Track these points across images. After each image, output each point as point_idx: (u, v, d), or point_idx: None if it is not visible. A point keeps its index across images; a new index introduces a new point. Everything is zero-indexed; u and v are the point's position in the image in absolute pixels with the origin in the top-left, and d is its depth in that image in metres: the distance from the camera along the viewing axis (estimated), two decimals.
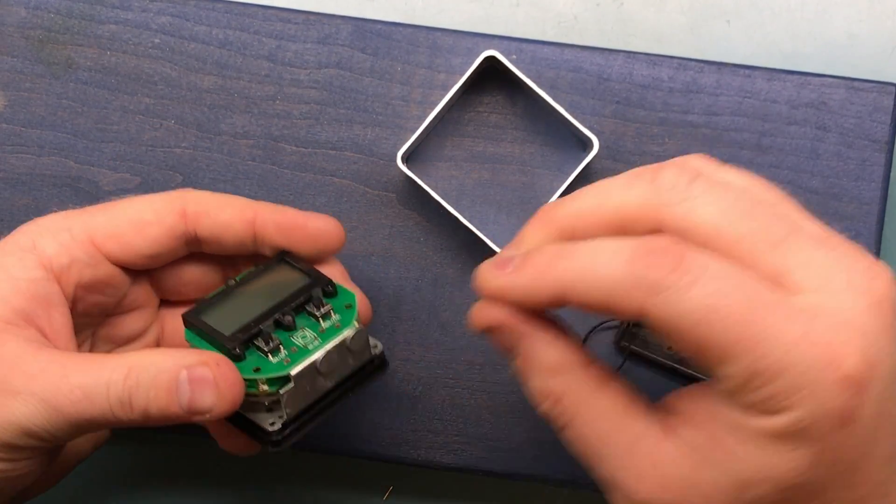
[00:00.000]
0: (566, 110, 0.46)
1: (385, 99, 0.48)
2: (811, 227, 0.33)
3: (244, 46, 0.48)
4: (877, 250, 0.47)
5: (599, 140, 0.46)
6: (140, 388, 0.36)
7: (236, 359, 0.39)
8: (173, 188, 0.47)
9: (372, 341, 0.41)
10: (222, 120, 0.48)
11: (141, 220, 0.40)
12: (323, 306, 0.40)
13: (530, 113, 0.48)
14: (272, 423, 0.39)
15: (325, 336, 0.39)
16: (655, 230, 0.32)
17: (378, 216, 0.48)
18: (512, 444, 0.47)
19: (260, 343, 0.39)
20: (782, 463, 0.31)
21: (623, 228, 0.33)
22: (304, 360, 0.39)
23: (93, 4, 0.48)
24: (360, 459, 0.47)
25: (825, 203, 0.47)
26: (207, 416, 0.37)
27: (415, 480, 0.51)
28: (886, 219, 0.48)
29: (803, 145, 0.47)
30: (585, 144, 0.46)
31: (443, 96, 0.47)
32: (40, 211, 0.47)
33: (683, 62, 0.48)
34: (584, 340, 0.47)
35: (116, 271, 0.41)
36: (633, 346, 0.47)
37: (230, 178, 0.47)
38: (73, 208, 0.41)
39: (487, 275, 0.35)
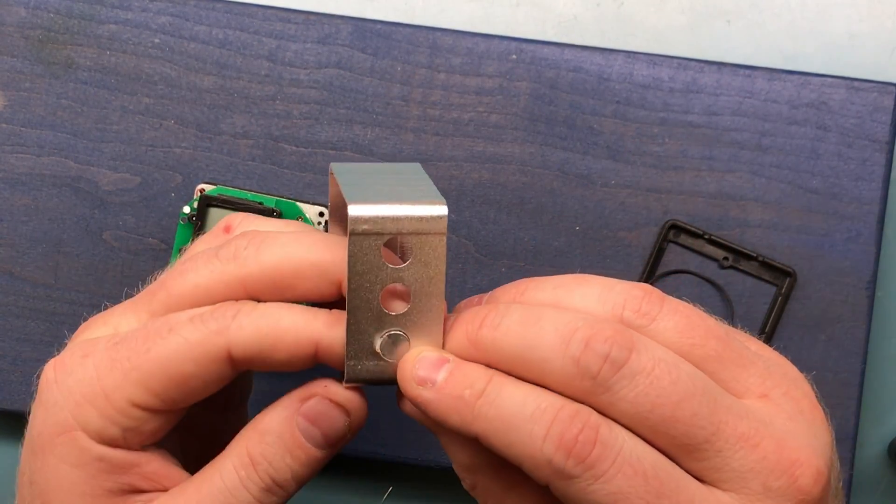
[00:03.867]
0: (569, 109, 0.46)
1: (385, 99, 0.48)
2: (737, 413, 0.32)
3: (244, 46, 0.48)
4: (877, 250, 0.47)
5: (600, 140, 0.46)
6: (275, 463, 0.34)
7: None
8: (173, 188, 0.47)
9: (318, 212, 0.44)
10: (222, 120, 0.48)
11: (181, 375, 0.33)
12: None
13: (529, 112, 0.48)
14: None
15: None
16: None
17: None
18: None
19: None
20: None
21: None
22: None
23: (93, 4, 0.48)
24: (360, 459, 0.47)
25: (825, 203, 0.47)
26: (350, 435, 0.35)
27: (415, 480, 0.51)
28: (886, 219, 0.48)
29: (803, 145, 0.47)
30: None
31: (444, 97, 0.47)
32: (40, 211, 0.48)
33: (683, 62, 0.48)
34: None
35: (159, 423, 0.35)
36: None
37: (230, 178, 0.47)
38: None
39: (410, 379, 0.33)
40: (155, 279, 0.36)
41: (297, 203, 0.45)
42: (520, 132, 0.48)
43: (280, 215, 0.44)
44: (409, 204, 0.32)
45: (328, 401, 0.35)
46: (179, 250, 0.44)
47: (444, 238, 0.33)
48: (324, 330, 0.33)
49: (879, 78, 0.48)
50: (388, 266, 0.32)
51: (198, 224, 0.44)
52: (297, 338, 0.33)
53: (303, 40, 0.48)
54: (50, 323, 0.47)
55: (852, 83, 0.47)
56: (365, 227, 0.31)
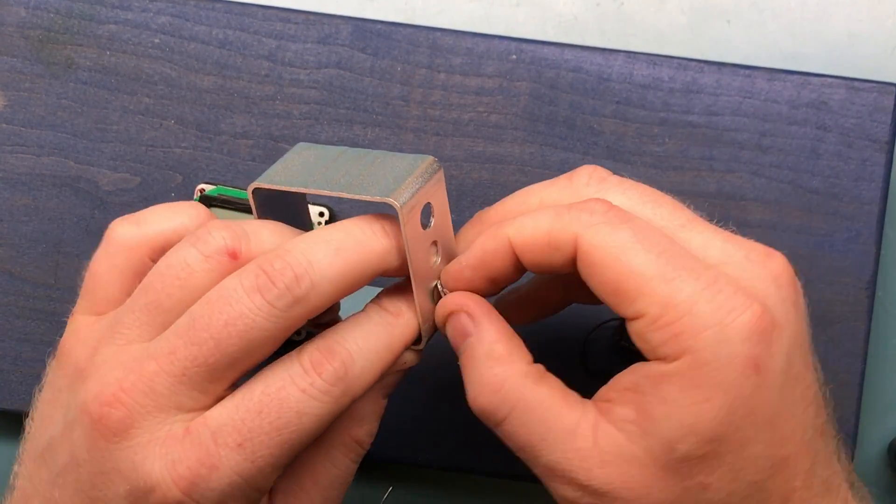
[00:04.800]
0: (569, 109, 0.46)
1: (385, 99, 0.48)
2: (706, 222, 0.36)
3: (244, 46, 0.48)
4: (877, 250, 0.47)
5: (600, 140, 0.46)
6: (373, 436, 0.39)
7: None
8: (173, 188, 0.47)
9: (319, 212, 0.46)
10: (222, 120, 0.48)
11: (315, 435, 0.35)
12: None
13: (529, 112, 0.48)
14: (298, 333, 0.40)
15: None
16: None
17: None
18: None
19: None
20: (698, 412, 0.32)
21: (555, 247, 0.35)
22: None
23: (93, 4, 0.48)
24: None
25: (825, 203, 0.47)
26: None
27: (415, 480, 0.51)
28: (886, 219, 0.48)
29: (803, 145, 0.47)
30: None
31: (444, 97, 0.47)
32: (40, 211, 0.48)
33: (683, 62, 0.48)
34: (584, 341, 0.47)
35: None
36: (632, 346, 0.47)
37: (230, 178, 0.47)
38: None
39: (447, 276, 0.37)
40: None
41: None
42: (520, 132, 0.48)
43: None
44: (413, 176, 0.36)
45: (402, 372, 0.38)
46: None
47: (444, 181, 0.37)
48: (406, 337, 0.37)
49: (879, 78, 0.48)
50: (424, 231, 0.36)
51: None
52: (393, 355, 0.36)
53: (303, 40, 0.48)
54: (50, 323, 0.47)
55: (852, 83, 0.47)
56: (407, 210, 0.35)
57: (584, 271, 0.34)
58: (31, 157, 0.48)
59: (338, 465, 0.37)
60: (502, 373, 0.35)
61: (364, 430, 0.38)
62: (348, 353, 0.34)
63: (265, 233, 0.36)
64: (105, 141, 0.48)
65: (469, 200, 0.48)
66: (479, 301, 0.37)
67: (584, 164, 0.47)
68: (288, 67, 0.48)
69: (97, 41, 0.48)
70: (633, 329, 0.33)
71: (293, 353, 0.34)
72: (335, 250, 0.34)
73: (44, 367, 0.38)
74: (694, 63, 0.48)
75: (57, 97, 0.48)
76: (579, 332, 0.47)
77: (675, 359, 0.32)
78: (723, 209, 0.47)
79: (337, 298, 0.35)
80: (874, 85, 0.47)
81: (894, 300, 0.51)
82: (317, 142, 0.48)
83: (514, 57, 0.48)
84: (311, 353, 0.34)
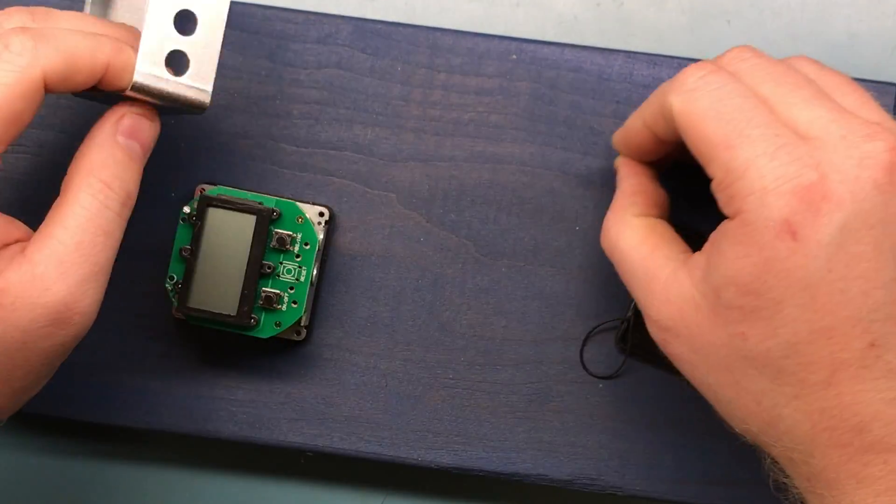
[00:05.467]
0: (569, 109, 0.46)
1: (385, 99, 0.48)
2: (840, 100, 0.37)
3: (244, 46, 0.48)
4: None
5: (600, 140, 0.46)
6: (124, 179, 0.40)
7: (254, 328, 0.44)
8: (173, 188, 0.47)
9: (318, 212, 0.46)
10: (222, 120, 0.48)
11: (14, 113, 0.38)
12: (286, 241, 0.44)
13: (529, 112, 0.48)
14: (298, 333, 0.45)
15: (304, 261, 0.44)
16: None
17: (378, 216, 0.48)
18: (512, 444, 0.47)
19: (264, 303, 0.44)
20: (740, 266, 0.35)
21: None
22: (305, 292, 0.44)
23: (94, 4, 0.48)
24: (360, 459, 0.47)
25: None
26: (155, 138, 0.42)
27: (415, 480, 0.51)
28: None
29: None
30: None
31: (444, 97, 0.47)
32: (40, 211, 0.47)
33: (683, 62, 0.48)
34: (584, 341, 0.47)
35: None
36: (632, 346, 0.47)
37: (230, 178, 0.47)
38: None
39: (615, 137, 0.44)
40: None
41: (297, 203, 0.45)
42: (520, 132, 0.48)
43: (280, 216, 0.44)
44: None
45: (136, 115, 0.40)
46: (179, 250, 0.45)
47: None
48: (112, 54, 0.39)
49: (879, 78, 0.48)
50: None
51: (198, 224, 0.44)
52: (93, 62, 0.38)
53: (303, 40, 0.48)
54: None
55: None
56: None
57: (681, 135, 0.38)
58: (31, 157, 0.48)
59: (87, 207, 0.38)
60: (611, 219, 0.42)
61: (108, 171, 0.39)
62: (41, 32, 0.37)
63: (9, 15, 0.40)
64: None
65: (469, 200, 0.48)
66: (628, 162, 0.44)
67: (584, 163, 0.47)
68: (288, 67, 0.48)
69: None
70: (712, 188, 0.37)
71: None
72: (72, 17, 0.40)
73: None
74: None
75: (57, 97, 0.48)
76: (579, 331, 0.47)
77: (733, 217, 0.36)
78: None
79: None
80: (874, 85, 0.47)
81: None
82: (317, 141, 0.48)
83: (514, 57, 0.48)
84: (5, 32, 0.37)
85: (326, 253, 0.47)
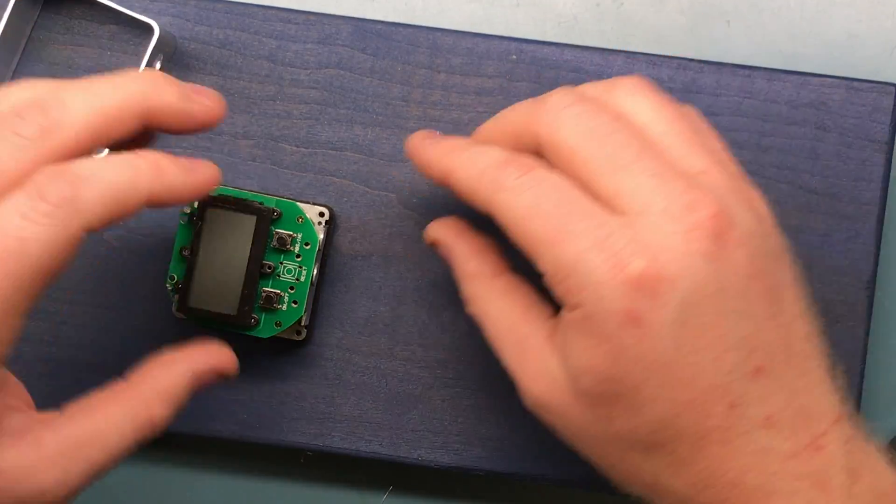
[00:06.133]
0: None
1: (385, 99, 0.48)
2: (670, 158, 0.37)
3: (244, 46, 0.48)
4: (876, 250, 0.47)
5: None
6: (166, 421, 0.38)
7: (254, 328, 0.44)
8: None
9: (319, 212, 0.45)
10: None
11: (52, 272, 0.34)
12: (286, 241, 0.44)
13: None
14: (298, 333, 0.46)
15: (305, 261, 0.44)
16: (536, 144, 0.38)
17: (378, 216, 0.48)
18: (512, 444, 0.47)
19: (265, 303, 0.44)
20: (591, 356, 0.36)
21: (515, 141, 0.39)
22: (305, 292, 0.44)
23: (93, 4, 0.48)
24: (360, 459, 0.47)
25: (825, 203, 0.47)
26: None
27: (415, 480, 0.51)
28: (886, 219, 0.48)
29: (803, 145, 0.47)
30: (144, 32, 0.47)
31: (444, 97, 0.47)
32: None
33: (683, 62, 0.48)
34: None
35: None
36: None
37: (230, 178, 0.47)
38: None
39: (414, 137, 0.42)
40: None
41: (298, 203, 0.45)
42: None
43: (280, 216, 0.44)
44: None
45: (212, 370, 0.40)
46: (180, 250, 0.45)
47: None
48: (153, 180, 0.36)
49: (879, 78, 0.48)
50: None
51: (198, 224, 0.44)
52: (137, 198, 0.35)
53: (303, 40, 0.48)
54: (50, 323, 0.47)
55: (852, 83, 0.47)
56: None
57: (500, 226, 0.38)
58: None
59: (121, 437, 0.37)
60: (472, 290, 0.41)
61: (165, 411, 0.38)
62: (78, 175, 0.33)
63: (14, 88, 0.36)
64: None
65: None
66: (450, 227, 0.43)
67: None
68: (288, 67, 0.48)
69: (97, 41, 0.48)
70: (545, 283, 0.37)
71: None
72: (86, 86, 0.35)
73: (45, 367, 0.38)
74: (693, 63, 0.48)
75: None
76: None
77: (572, 310, 0.36)
78: None
79: (96, 133, 0.35)
80: (873, 85, 0.47)
81: (894, 300, 0.51)
82: (317, 141, 0.48)
83: (514, 57, 0.48)
84: (37, 177, 0.33)
85: (327, 253, 0.47)
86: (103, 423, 0.37)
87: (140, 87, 0.36)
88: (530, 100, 0.39)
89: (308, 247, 0.44)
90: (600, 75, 0.47)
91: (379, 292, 0.47)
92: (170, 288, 0.45)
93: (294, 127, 0.48)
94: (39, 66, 0.48)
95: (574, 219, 0.35)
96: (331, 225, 0.46)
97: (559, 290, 0.36)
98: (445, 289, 0.47)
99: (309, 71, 0.48)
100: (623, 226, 0.35)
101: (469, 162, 0.39)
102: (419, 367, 0.47)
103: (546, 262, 0.36)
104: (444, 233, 0.43)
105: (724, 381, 0.35)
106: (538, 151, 0.38)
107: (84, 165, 0.34)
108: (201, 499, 0.51)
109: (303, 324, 0.45)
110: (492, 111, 0.47)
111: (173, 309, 0.45)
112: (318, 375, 0.47)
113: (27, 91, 0.36)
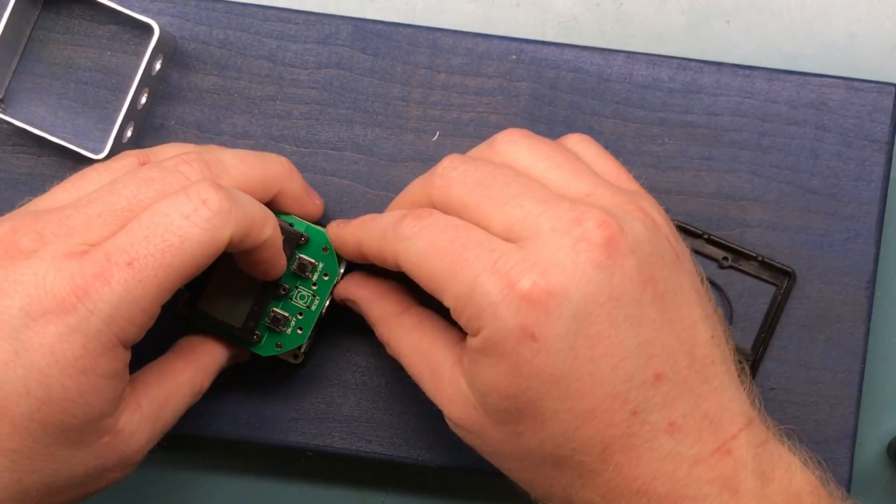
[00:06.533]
0: (569, 109, 0.46)
1: (385, 99, 0.48)
2: (555, 188, 0.39)
3: (244, 46, 0.48)
4: (876, 250, 0.47)
5: (599, 140, 0.46)
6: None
7: (256, 344, 0.44)
8: None
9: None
10: (222, 120, 0.48)
11: (197, 267, 0.38)
12: (307, 268, 0.44)
13: (529, 112, 0.48)
14: (296, 357, 0.46)
15: (320, 290, 0.44)
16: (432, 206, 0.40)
17: None
18: None
19: (271, 324, 0.44)
20: (493, 375, 0.37)
21: (428, 202, 0.40)
22: (313, 322, 0.44)
23: (93, 4, 0.48)
24: (360, 459, 0.47)
25: (825, 203, 0.47)
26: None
27: (415, 480, 0.51)
28: (886, 219, 0.48)
29: (803, 145, 0.47)
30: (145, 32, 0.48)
31: (444, 97, 0.47)
32: None
33: (683, 62, 0.48)
34: None
35: None
36: None
37: None
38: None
39: (332, 225, 0.44)
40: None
41: (326, 232, 0.44)
42: None
43: (307, 241, 0.44)
44: None
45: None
46: None
47: None
48: (274, 230, 0.41)
49: (879, 78, 0.48)
50: None
51: None
52: (260, 234, 0.39)
53: (303, 40, 0.48)
54: None
55: (852, 83, 0.47)
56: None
57: (407, 273, 0.39)
58: (31, 157, 0.48)
59: (185, 402, 0.42)
60: (385, 333, 0.43)
61: (209, 382, 0.43)
62: (231, 191, 0.38)
63: (168, 148, 0.42)
64: (105, 142, 0.48)
65: None
66: (353, 281, 0.44)
67: None
68: (288, 68, 0.48)
69: (97, 41, 0.48)
70: (453, 317, 0.38)
71: (181, 188, 0.38)
72: (240, 155, 0.42)
73: None
74: (693, 63, 0.48)
75: (57, 97, 0.48)
76: None
77: (475, 335, 0.37)
78: (722, 209, 0.47)
79: (245, 188, 0.40)
80: (873, 85, 0.47)
81: (894, 300, 0.51)
82: (317, 141, 0.48)
83: (514, 57, 0.48)
84: (200, 185, 0.37)
85: None
86: (176, 388, 0.41)
87: (280, 171, 0.43)
88: (425, 173, 0.41)
89: (326, 278, 0.44)
90: (600, 75, 0.48)
91: None
92: (183, 288, 0.44)
93: (294, 127, 0.48)
94: (39, 66, 0.48)
95: (468, 248, 0.37)
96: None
97: (463, 320, 0.37)
98: None
99: (309, 71, 0.48)
100: (515, 249, 0.36)
101: (372, 227, 0.41)
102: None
103: (448, 296, 0.37)
104: (347, 288, 0.44)
105: (623, 388, 0.36)
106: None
107: (234, 175, 0.41)
108: (202, 499, 0.51)
109: (303, 350, 0.45)
110: (492, 111, 0.48)
111: (180, 305, 0.45)
112: (318, 375, 0.47)
113: (185, 148, 0.42)
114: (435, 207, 0.39)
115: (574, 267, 0.36)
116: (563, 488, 0.38)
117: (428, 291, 0.38)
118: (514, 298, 0.35)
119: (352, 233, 0.43)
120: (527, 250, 0.36)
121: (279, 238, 0.41)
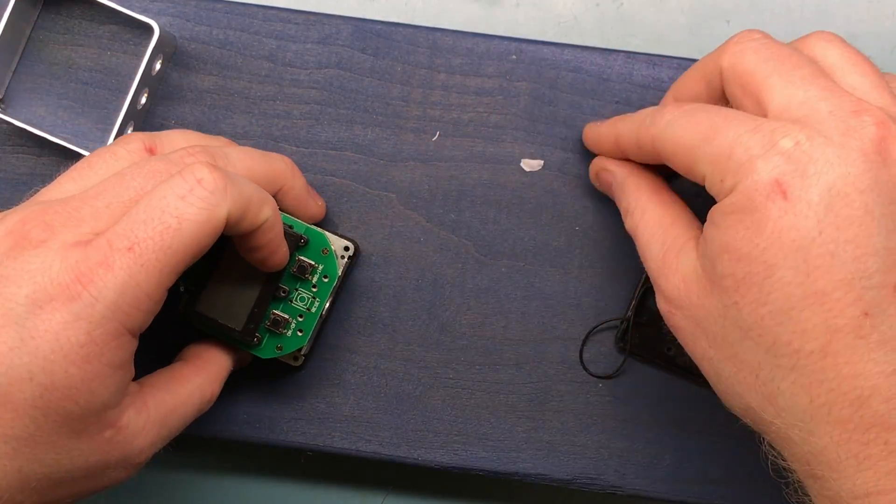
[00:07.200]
0: (569, 109, 0.46)
1: (385, 99, 0.48)
2: (848, 87, 0.37)
3: (244, 46, 0.48)
4: None
5: None
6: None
7: (256, 346, 0.44)
8: None
9: (344, 246, 0.45)
10: (222, 120, 0.48)
11: (200, 249, 0.38)
12: (307, 269, 0.44)
13: (529, 112, 0.48)
14: (296, 359, 0.45)
15: (320, 292, 0.44)
16: (720, 79, 0.40)
17: (378, 216, 0.48)
18: (512, 444, 0.47)
19: (271, 326, 0.44)
20: (733, 234, 0.36)
21: (702, 79, 0.41)
22: (313, 324, 0.44)
23: (93, 4, 0.48)
24: (360, 459, 0.47)
25: None
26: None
27: (415, 480, 0.51)
28: None
29: None
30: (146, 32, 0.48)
31: (444, 97, 0.47)
32: None
33: (683, 62, 0.48)
34: (584, 341, 0.47)
35: None
36: (632, 346, 0.47)
37: None
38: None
39: (588, 126, 0.46)
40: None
41: (326, 234, 0.44)
42: (520, 132, 0.48)
43: (306, 244, 0.44)
44: None
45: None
46: None
47: None
48: (274, 213, 0.40)
49: None
50: None
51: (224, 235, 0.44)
52: (257, 215, 0.39)
53: (303, 41, 0.48)
54: None
55: None
56: None
57: (663, 155, 0.40)
58: (31, 158, 0.48)
59: (193, 409, 0.42)
60: (631, 199, 0.43)
61: (218, 389, 0.44)
62: (226, 171, 0.38)
63: (176, 135, 0.42)
64: (105, 142, 0.48)
65: (469, 200, 0.48)
66: (612, 160, 0.45)
67: (584, 163, 0.48)
68: (288, 68, 0.48)
69: (97, 41, 0.48)
70: (708, 190, 0.38)
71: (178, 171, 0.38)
72: (244, 150, 0.42)
73: None
74: (693, 63, 0.48)
75: (57, 97, 0.48)
76: (579, 331, 0.47)
77: (727, 195, 0.36)
78: None
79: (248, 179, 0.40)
80: None
81: None
82: (317, 141, 0.48)
83: (514, 57, 0.48)
84: (195, 166, 0.37)
85: (342, 287, 0.47)
86: (185, 395, 0.42)
87: (283, 168, 0.44)
88: (714, 50, 0.41)
89: (326, 280, 0.44)
90: (600, 75, 0.48)
91: (379, 292, 0.47)
92: (181, 288, 0.44)
93: (294, 127, 0.48)
94: (39, 66, 0.48)
95: (729, 118, 0.37)
96: (353, 259, 0.46)
97: (718, 185, 0.36)
98: (445, 289, 0.47)
99: (309, 71, 0.48)
100: (784, 121, 0.36)
101: (631, 119, 0.42)
102: (419, 368, 0.47)
103: (704, 161, 0.37)
104: (604, 162, 0.45)
105: (860, 284, 0.34)
106: (721, 90, 0.40)
107: (233, 160, 0.41)
108: (202, 499, 0.51)
109: (303, 352, 0.45)
110: (492, 111, 0.48)
111: (180, 307, 0.45)
112: (317, 375, 0.47)
113: (191, 134, 0.43)
114: (721, 74, 0.39)
115: (842, 146, 0.35)
116: (770, 377, 0.36)
117: (681, 170, 0.38)
118: (774, 154, 0.35)
119: (609, 126, 0.44)
120: (799, 124, 0.36)
121: (279, 222, 0.41)
